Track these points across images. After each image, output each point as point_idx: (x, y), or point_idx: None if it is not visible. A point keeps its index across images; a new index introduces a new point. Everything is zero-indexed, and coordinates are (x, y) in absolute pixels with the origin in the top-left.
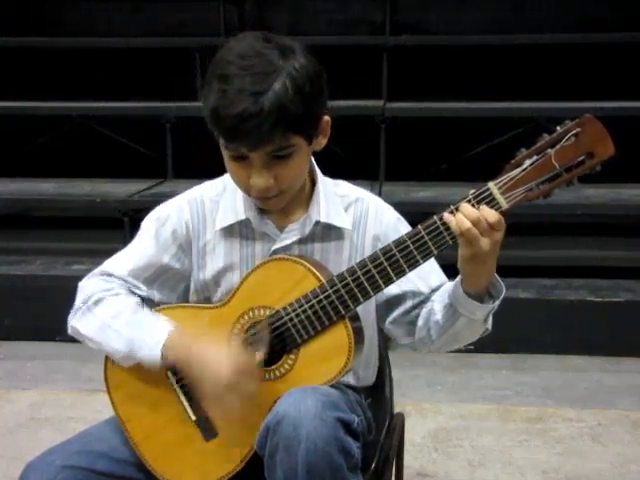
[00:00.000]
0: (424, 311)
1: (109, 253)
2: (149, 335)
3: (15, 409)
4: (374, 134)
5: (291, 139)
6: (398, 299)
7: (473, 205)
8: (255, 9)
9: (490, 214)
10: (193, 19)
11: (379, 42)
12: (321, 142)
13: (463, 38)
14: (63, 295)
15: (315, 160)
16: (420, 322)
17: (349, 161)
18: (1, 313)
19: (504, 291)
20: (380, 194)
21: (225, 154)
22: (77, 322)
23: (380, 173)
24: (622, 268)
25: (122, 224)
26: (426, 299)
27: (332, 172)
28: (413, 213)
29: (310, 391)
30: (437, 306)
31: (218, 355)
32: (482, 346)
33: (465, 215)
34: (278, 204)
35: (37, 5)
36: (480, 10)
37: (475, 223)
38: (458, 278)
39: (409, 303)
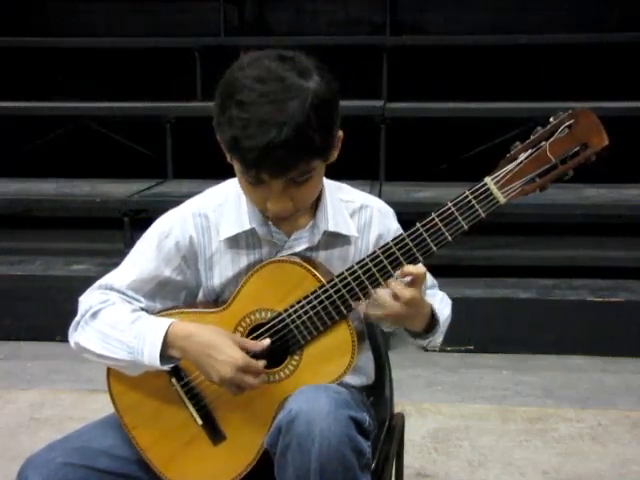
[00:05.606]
0: None
1: (109, 253)
2: (149, 331)
3: (15, 409)
4: (374, 134)
5: (312, 164)
6: None
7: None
8: (255, 9)
9: (403, 292)
10: (193, 19)
11: (379, 42)
12: (334, 155)
13: (463, 38)
14: (63, 295)
15: None
16: None
17: (349, 161)
18: (1, 313)
19: (440, 330)
20: (380, 194)
21: (240, 177)
22: (78, 336)
23: (380, 173)
24: (622, 268)
25: (122, 224)
26: None
27: (332, 172)
28: (413, 213)
29: (322, 389)
30: None
31: (219, 352)
32: (482, 346)
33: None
34: (292, 221)
35: (38, 5)
36: (480, 10)
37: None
38: None
39: None
